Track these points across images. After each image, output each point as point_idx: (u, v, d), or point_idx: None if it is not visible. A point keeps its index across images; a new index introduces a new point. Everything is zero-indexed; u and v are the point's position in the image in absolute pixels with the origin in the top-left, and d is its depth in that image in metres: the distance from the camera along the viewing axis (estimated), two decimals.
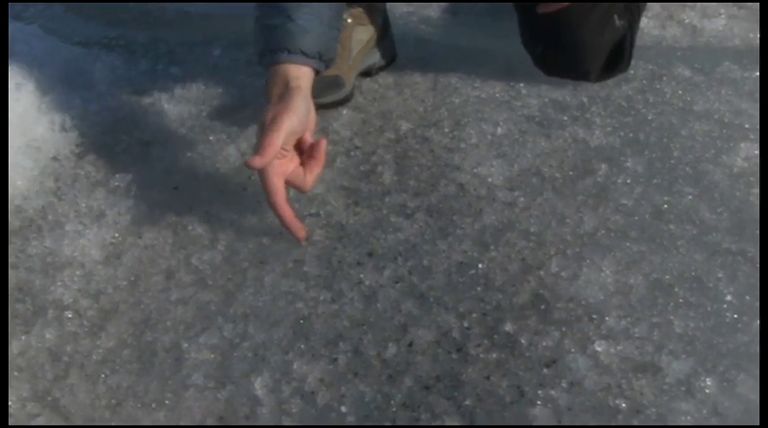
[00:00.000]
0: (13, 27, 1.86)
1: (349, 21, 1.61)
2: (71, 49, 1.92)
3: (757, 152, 1.40)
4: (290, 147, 1.25)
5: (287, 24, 1.31)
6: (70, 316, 1.22)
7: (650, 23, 1.77)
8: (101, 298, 1.25)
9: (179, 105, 1.69)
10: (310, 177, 1.28)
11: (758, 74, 1.61)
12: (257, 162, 1.19)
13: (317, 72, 1.32)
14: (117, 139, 1.60)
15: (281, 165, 1.24)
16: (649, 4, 1.74)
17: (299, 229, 1.28)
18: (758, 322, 1.10)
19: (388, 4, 1.76)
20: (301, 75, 1.29)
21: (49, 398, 1.11)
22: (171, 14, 2.14)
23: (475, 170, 1.43)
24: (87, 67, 1.82)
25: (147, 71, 1.86)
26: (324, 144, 1.28)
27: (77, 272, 1.30)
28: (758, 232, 1.25)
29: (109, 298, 1.25)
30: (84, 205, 1.42)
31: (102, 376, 1.14)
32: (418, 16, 1.91)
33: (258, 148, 1.20)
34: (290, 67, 1.29)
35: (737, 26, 1.74)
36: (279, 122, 1.21)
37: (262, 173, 1.23)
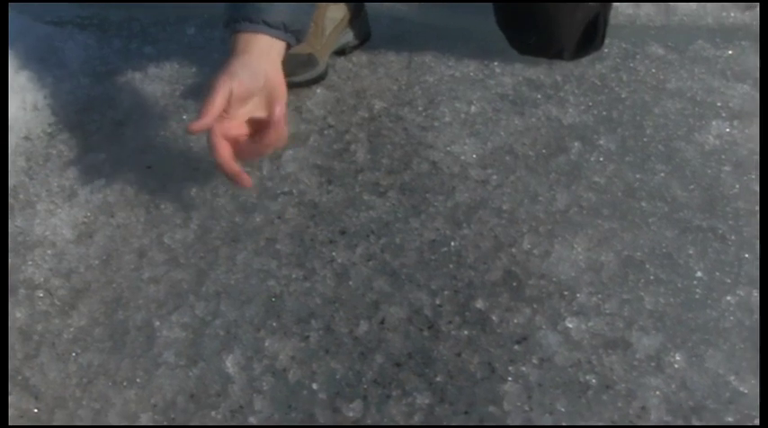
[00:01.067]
0: None
1: None
2: (43, 28, 1.89)
3: (728, 130, 1.41)
4: (235, 111, 1.22)
5: None
6: (41, 295, 1.22)
7: (624, 2, 1.77)
8: (72, 277, 1.25)
9: (152, 84, 1.68)
10: (266, 142, 1.24)
11: (731, 52, 1.61)
12: (194, 125, 1.17)
13: (288, 45, 1.31)
14: (90, 118, 1.59)
15: (222, 127, 1.21)
16: None
17: (244, 180, 1.23)
18: (728, 298, 1.11)
19: None
20: (256, 41, 1.26)
21: (19, 377, 1.11)
22: None
23: (448, 148, 1.43)
24: (60, 46, 1.80)
25: (120, 50, 1.84)
26: (279, 110, 1.24)
27: (49, 252, 1.29)
28: (728, 209, 1.26)
29: (80, 277, 1.24)
30: (55, 184, 1.41)
31: (74, 354, 1.13)
32: None
33: (198, 113, 1.19)
34: (249, 36, 1.27)
35: (710, 5, 1.74)
36: (215, 86, 1.19)
37: (208, 135, 1.21)
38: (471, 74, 1.63)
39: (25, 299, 1.21)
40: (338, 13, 1.65)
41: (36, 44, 1.78)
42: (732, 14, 1.71)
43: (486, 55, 1.67)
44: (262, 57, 1.25)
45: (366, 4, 1.73)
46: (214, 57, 1.76)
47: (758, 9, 1.71)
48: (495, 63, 1.65)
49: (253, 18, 1.27)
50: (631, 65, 1.62)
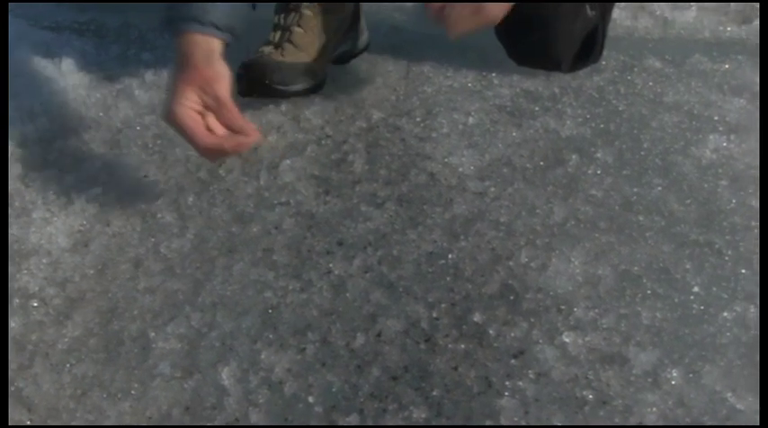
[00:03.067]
0: None
1: (320, 8, 1.60)
2: (40, 33, 1.89)
3: (725, 144, 1.41)
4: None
5: None
6: (36, 304, 1.21)
7: (622, 14, 1.78)
8: (67, 286, 1.24)
9: (150, 91, 1.68)
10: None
11: (727, 66, 1.62)
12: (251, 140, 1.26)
13: (226, 44, 1.32)
14: (86, 125, 1.58)
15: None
16: None
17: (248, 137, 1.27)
18: (725, 313, 1.11)
19: None
20: (209, 43, 1.29)
21: (13, 388, 1.10)
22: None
23: (446, 159, 1.43)
24: (57, 52, 1.79)
25: (117, 56, 1.84)
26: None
27: (44, 260, 1.28)
28: (725, 224, 1.26)
29: (75, 287, 1.24)
30: (51, 192, 1.41)
31: (68, 365, 1.13)
32: (391, 4, 1.90)
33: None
34: (202, 38, 1.29)
35: (707, 18, 1.75)
36: (228, 97, 1.28)
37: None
38: (469, 84, 1.63)
39: (19, 309, 1.20)
40: (337, 22, 1.64)
41: (33, 50, 1.77)
42: (729, 29, 1.72)
43: (484, 65, 1.67)
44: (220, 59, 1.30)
45: (365, 13, 1.73)
46: None
47: (755, 23, 1.72)
48: (494, 74, 1.65)
49: (202, 20, 1.29)
50: (629, 77, 1.62)
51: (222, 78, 1.28)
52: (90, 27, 2.00)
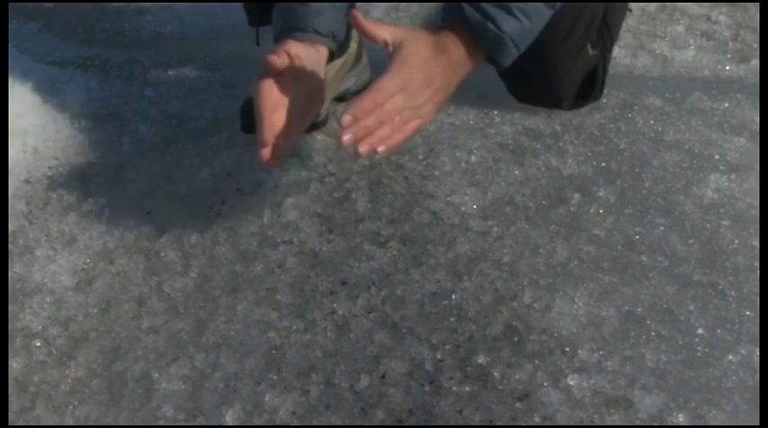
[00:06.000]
0: None
1: None
2: (45, 69, 1.90)
3: (726, 183, 1.42)
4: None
5: (300, 8, 1.35)
6: (39, 344, 1.21)
7: (622, 53, 1.79)
8: (70, 325, 1.24)
9: (153, 128, 1.68)
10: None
11: (727, 104, 1.63)
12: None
13: (330, 53, 1.37)
14: (90, 162, 1.59)
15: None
16: (621, 34, 1.76)
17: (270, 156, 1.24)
18: (729, 356, 1.11)
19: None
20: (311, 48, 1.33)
21: None
22: (146, 34, 2.14)
23: (448, 198, 1.43)
24: (61, 88, 1.80)
25: (121, 92, 1.84)
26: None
27: (47, 299, 1.28)
28: (728, 264, 1.26)
29: (79, 326, 1.24)
30: (55, 229, 1.41)
31: (71, 407, 1.12)
32: None
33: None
34: (300, 43, 1.32)
35: (706, 57, 1.76)
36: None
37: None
38: (471, 122, 1.64)
39: (22, 349, 1.20)
40: (341, 59, 1.66)
41: (38, 86, 1.77)
42: (727, 67, 1.73)
43: (485, 103, 1.68)
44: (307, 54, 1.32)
45: (368, 50, 1.75)
46: (214, 102, 1.77)
47: (752, 62, 1.74)
48: (495, 111, 1.66)
49: (304, 27, 1.33)
50: (629, 115, 1.63)
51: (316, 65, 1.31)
52: (94, 62, 2.01)
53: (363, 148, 1.13)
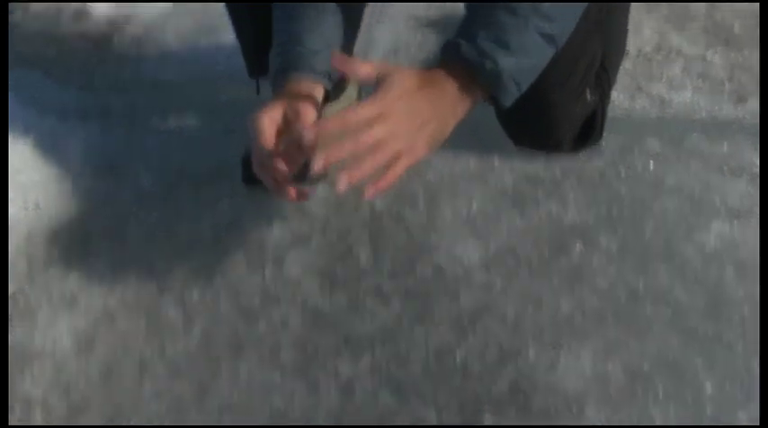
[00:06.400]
0: None
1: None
2: (46, 120, 1.89)
3: (728, 230, 1.41)
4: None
5: (295, 48, 1.36)
6: (38, 413, 1.20)
7: (620, 96, 1.79)
8: (71, 392, 1.23)
9: (154, 178, 1.68)
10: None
11: (725, 147, 1.62)
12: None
13: (327, 93, 1.37)
14: (91, 216, 1.59)
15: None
16: (619, 76, 1.77)
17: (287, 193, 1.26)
18: (740, 414, 1.10)
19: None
20: (299, 84, 1.33)
21: None
22: (146, 81, 2.15)
23: (451, 250, 1.43)
24: (63, 141, 1.79)
25: (122, 142, 1.84)
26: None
27: (47, 365, 1.27)
28: (734, 315, 1.26)
29: (80, 393, 1.23)
30: (56, 290, 1.41)
31: None
32: None
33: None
34: (296, 83, 1.33)
35: (703, 99, 1.76)
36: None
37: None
38: (471, 168, 1.63)
39: (22, 418, 1.19)
40: (339, 105, 1.66)
41: (39, 140, 1.77)
42: (725, 108, 1.74)
43: (485, 148, 1.68)
44: (304, 95, 1.32)
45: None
46: (216, 151, 1.77)
47: (749, 103, 1.74)
48: (495, 156, 1.65)
49: (298, 66, 1.34)
50: (629, 159, 1.63)
51: (310, 98, 1.31)
52: (95, 110, 2.01)
53: (342, 184, 1.10)
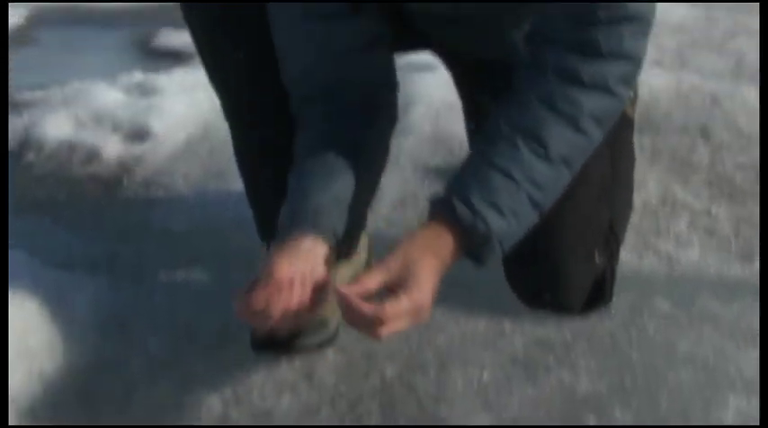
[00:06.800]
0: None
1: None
2: (53, 274, 1.89)
3: (745, 404, 1.40)
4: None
5: (302, 205, 1.37)
6: None
7: (628, 255, 1.80)
8: None
9: (162, 341, 1.68)
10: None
11: (736, 310, 1.63)
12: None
13: (331, 249, 1.36)
14: (98, 384, 1.57)
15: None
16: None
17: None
18: None
19: (374, 228, 1.79)
20: (299, 242, 1.33)
21: None
22: (155, 229, 2.17)
23: (462, 422, 1.41)
24: (69, 297, 1.78)
25: (130, 299, 1.84)
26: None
27: None
28: None
29: None
30: None
31: None
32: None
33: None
34: (300, 239, 1.33)
35: (711, 257, 1.78)
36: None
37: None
38: (482, 332, 1.63)
39: None
40: (349, 269, 1.67)
41: (46, 297, 1.76)
42: (733, 268, 1.75)
43: (495, 310, 1.68)
44: (304, 253, 1.32)
45: (376, 254, 1.76)
46: (225, 308, 1.74)
47: (756, 261, 1.75)
48: (505, 319, 1.65)
49: (302, 223, 1.35)
50: (639, 321, 1.62)
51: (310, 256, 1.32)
52: (102, 260, 2.02)
53: None
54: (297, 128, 1.49)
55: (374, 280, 1.25)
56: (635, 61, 1.37)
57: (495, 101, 1.45)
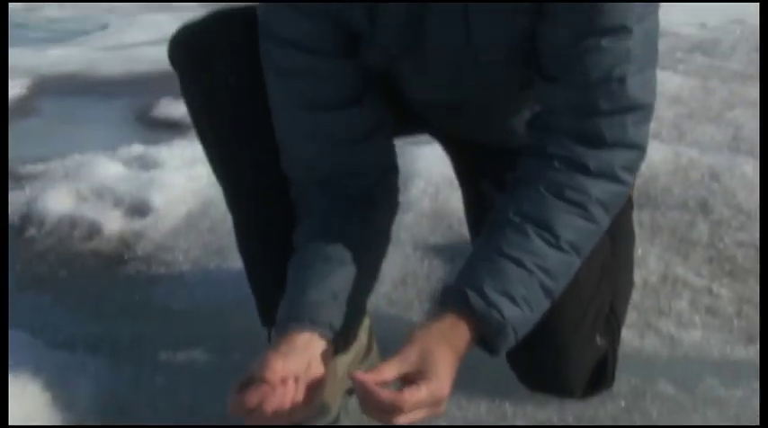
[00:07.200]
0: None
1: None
2: (55, 356, 1.88)
3: None
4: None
5: (299, 298, 1.37)
6: None
7: (629, 334, 1.80)
8: None
9: (164, 422, 1.66)
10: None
11: (739, 394, 1.62)
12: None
13: (328, 343, 1.36)
14: None
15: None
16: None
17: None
18: None
19: (374, 308, 1.78)
20: (296, 337, 1.32)
21: None
22: (156, 308, 2.16)
23: None
24: (71, 380, 1.77)
25: (131, 380, 1.82)
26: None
27: None
28: None
29: None
30: None
31: None
32: (404, 322, 1.93)
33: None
34: (295, 335, 1.33)
35: (713, 338, 1.78)
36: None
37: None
38: (483, 416, 1.62)
39: None
40: (350, 356, 1.66)
41: (48, 380, 1.74)
42: (736, 349, 1.74)
43: (496, 392, 1.67)
44: (300, 349, 1.31)
45: (378, 336, 1.76)
46: (224, 391, 1.75)
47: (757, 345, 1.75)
48: (507, 402, 1.64)
49: (299, 317, 1.34)
50: (642, 404, 1.62)
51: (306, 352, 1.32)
52: (104, 341, 2.01)
53: None
54: (297, 215, 1.50)
55: (391, 371, 1.25)
56: (639, 149, 1.39)
57: (499, 189, 1.46)
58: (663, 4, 1.36)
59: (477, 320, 1.31)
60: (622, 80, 1.31)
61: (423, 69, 1.45)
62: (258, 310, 1.68)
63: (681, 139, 2.83)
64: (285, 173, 1.52)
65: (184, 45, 1.52)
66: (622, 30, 1.30)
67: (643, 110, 1.36)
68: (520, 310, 1.33)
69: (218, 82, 1.49)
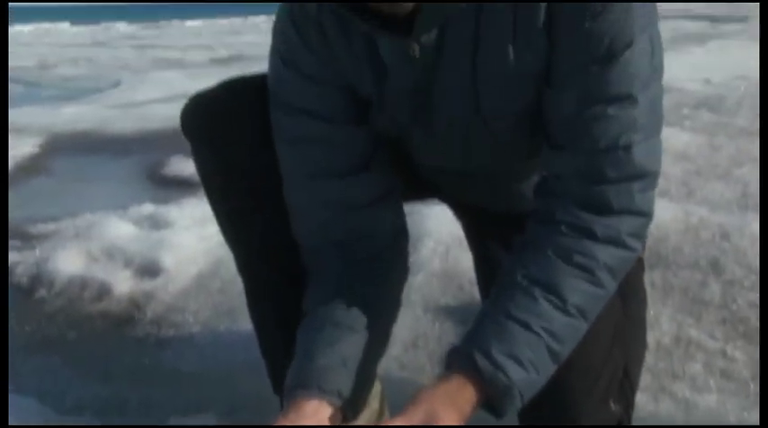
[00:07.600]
0: (12, 398, 1.83)
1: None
2: (63, 422, 1.88)
3: None
4: None
5: (307, 365, 1.34)
6: None
7: (643, 397, 1.77)
8: None
9: None
10: None
11: None
12: None
13: (336, 410, 1.33)
14: None
15: None
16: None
17: None
18: None
19: (385, 371, 1.76)
20: (304, 405, 1.29)
21: None
22: (164, 371, 2.15)
23: None
24: None
25: None
26: None
27: None
28: None
29: None
30: None
31: None
32: (415, 386, 1.91)
33: None
34: (303, 402, 1.30)
35: (729, 402, 1.75)
36: None
37: None
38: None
39: None
40: (360, 422, 1.64)
41: None
42: (753, 414, 1.71)
43: None
44: (307, 417, 1.29)
45: (389, 400, 1.74)
46: None
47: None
48: None
49: (307, 384, 1.31)
50: None
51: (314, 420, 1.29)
52: (112, 404, 2.00)
53: None
54: (308, 280, 1.50)
55: None
56: (645, 216, 1.39)
57: (507, 252, 1.46)
58: (666, 60, 1.37)
59: (483, 382, 1.30)
60: (628, 148, 1.32)
61: (432, 137, 1.46)
62: (269, 375, 1.66)
63: (690, 197, 2.83)
64: (295, 238, 1.52)
65: (196, 114, 1.54)
66: (628, 98, 1.31)
67: (649, 177, 1.37)
68: (526, 373, 1.32)
69: (230, 150, 1.50)
